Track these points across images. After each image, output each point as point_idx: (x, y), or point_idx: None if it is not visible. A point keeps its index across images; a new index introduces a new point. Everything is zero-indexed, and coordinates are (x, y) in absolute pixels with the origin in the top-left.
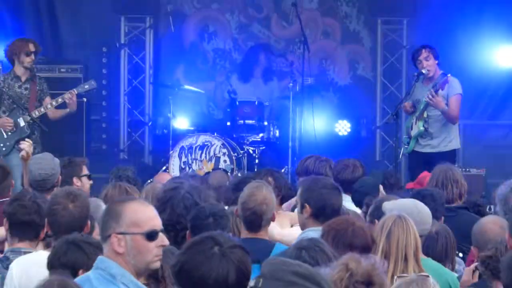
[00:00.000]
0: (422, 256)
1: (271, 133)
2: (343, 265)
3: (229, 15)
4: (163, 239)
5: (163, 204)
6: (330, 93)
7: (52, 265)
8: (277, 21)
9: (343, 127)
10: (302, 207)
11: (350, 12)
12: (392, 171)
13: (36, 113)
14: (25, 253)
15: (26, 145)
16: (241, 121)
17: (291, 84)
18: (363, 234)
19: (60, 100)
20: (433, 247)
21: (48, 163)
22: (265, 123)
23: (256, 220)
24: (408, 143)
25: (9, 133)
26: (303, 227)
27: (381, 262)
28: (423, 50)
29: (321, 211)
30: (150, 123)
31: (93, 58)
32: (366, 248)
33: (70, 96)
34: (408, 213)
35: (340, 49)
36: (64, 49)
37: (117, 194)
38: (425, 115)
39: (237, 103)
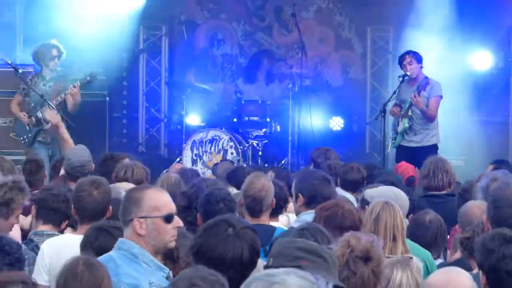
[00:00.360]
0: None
1: (273, 128)
2: (345, 241)
3: (236, 24)
4: (178, 221)
5: (191, 189)
6: (325, 93)
7: (85, 250)
8: (278, 30)
9: (337, 123)
10: (297, 196)
11: (342, 22)
12: (375, 163)
13: (55, 102)
14: (47, 235)
15: (47, 113)
16: (246, 118)
17: (290, 85)
18: (352, 216)
19: (67, 92)
20: (425, 235)
21: (85, 152)
22: (268, 119)
23: (256, 205)
24: (395, 138)
25: (32, 126)
26: (297, 214)
27: (379, 241)
28: (407, 56)
29: (313, 199)
30: (165, 120)
31: (114, 62)
32: (354, 228)
33: (72, 88)
34: (387, 198)
35: (334, 54)
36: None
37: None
38: (410, 113)
39: (243, 102)
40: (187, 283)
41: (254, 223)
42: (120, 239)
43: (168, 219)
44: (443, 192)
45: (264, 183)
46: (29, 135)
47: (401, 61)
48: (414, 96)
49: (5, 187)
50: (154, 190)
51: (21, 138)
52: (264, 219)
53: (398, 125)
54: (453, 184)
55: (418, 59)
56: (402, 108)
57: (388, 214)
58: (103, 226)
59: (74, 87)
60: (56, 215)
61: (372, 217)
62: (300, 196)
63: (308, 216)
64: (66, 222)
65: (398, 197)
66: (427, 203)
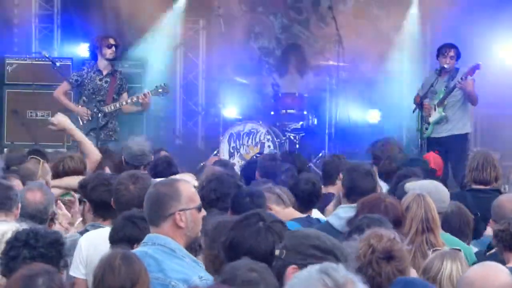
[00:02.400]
0: (441, 231)
1: (310, 121)
2: (366, 240)
3: (273, 17)
4: (203, 210)
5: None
6: (362, 86)
7: (112, 240)
8: (315, 23)
9: (374, 116)
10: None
11: (380, 14)
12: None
13: (109, 108)
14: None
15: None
16: (283, 111)
17: (327, 78)
18: (395, 209)
19: (135, 99)
20: (449, 224)
21: (145, 142)
22: (305, 112)
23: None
24: (427, 129)
25: (85, 122)
26: (338, 204)
27: (402, 237)
28: (452, 50)
29: (351, 191)
30: (203, 113)
31: (152, 55)
32: (398, 221)
33: (143, 97)
34: (428, 192)
35: (371, 47)
36: (127, 47)
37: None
38: (445, 102)
39: (280, 94)
40: (246, 268)
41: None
42: (150, 234)
43: (200, 208)
44: (489, 187)
45: None
46: (82, 131)
47: (443, 51)
48: (460, 81)
49: None
50: (184, 182)
51: None
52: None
53: (430, 116)
54: (499, 179)
55: (458, 55)
56: (429, 98)
57: (417, 206)
58: (130, 217)
59: (145, 96)
60: (113, 209)
61: (403, 208)
62: (342, 187)
63: (342, 210)
64: None
65: (438, 190)
66: (472, 197)
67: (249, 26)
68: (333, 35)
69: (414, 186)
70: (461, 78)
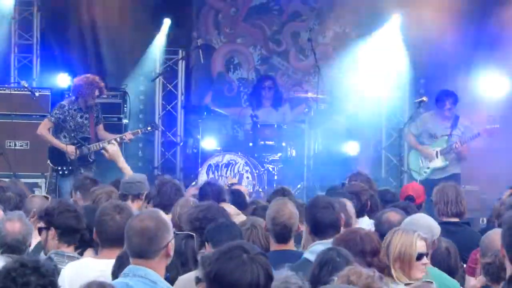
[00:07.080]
0: (428, 266)
1: (288, 152)
2: (346, 277)
3: (252, 49)
4: None
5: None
6: (341, 117)
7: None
8: (295, 54)
9: (353, 148)
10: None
11: (359, 46)
12: (388, 189)
13: (94, 147)
14: (68, 257)
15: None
16: (262, 142)
17: (306, 110)
18: (371, 240)
19: (118, 139)
20: (448, 263)
21: (140, 176)
22: (283, 144)
23: (286, 233)
24: (425, 172)
25: (73, 158)
26: (307, 242)
27: (380, 275)
28: (446, 102)
29: (316, 227)
30: (181, 144)
31: (132, 86)
32: (376, 252)
33: (131, 137)
34: (417, 225)
35: (350, 78)
36: (106, 77)
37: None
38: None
39: (259, 126)
40: None
41: (282, 248)
42: (131, 266)
43: (174, 236)
44: (460, 219)
45: (291, 209)
46: (70, 167)
47: (439, 104)
48: (458, 144)
49: None
50: (162, 212)
51: (59, 168)
52: (290, 245)
53: (430, 161)
54: (466, 212)
55: (456, 101)
56: (431, 142)
57: (397, 241)
58: None
59: (133, 134)
60: (77, 235)
61: (385, 244)
62: (306, 224)
63: (322, 246)
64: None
65: (425, 223)
66: (445, 230)
67: (228, 57)
68: (312, 66)
69: (407, 221)
70: (461, 143)
